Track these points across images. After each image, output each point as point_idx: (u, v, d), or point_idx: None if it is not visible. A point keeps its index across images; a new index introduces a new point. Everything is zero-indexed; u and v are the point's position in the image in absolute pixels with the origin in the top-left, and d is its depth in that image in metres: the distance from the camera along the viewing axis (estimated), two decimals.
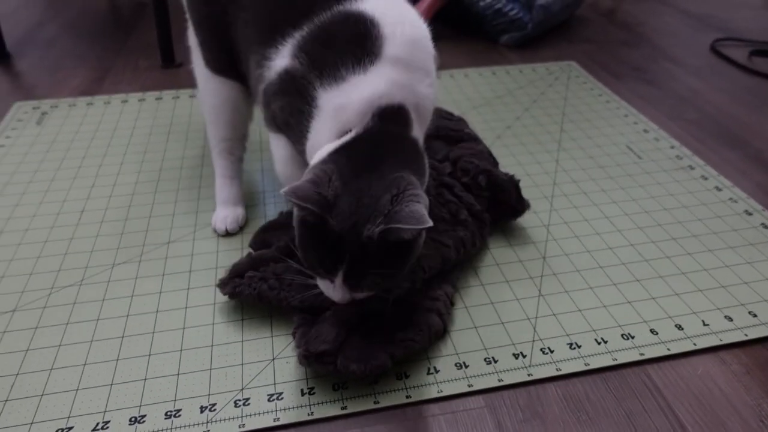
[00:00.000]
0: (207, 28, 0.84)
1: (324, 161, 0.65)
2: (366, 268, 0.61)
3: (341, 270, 0.62)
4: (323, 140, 0.69)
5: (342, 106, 0.69)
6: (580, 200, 0.99)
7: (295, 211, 0.65)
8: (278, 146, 0.81)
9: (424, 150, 0.71)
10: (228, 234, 0.89)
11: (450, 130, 0.90)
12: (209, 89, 0.88)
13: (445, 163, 0.86)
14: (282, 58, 0.73)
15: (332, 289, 0.64)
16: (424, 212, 0.60)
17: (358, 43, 0.70)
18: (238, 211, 0.91)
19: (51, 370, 0.69)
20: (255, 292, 0.71)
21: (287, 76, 0.74)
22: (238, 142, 0.93)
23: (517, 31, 1.60)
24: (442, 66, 1.48)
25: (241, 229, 0.90)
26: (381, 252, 0.60)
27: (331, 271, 0.62)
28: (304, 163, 0.75)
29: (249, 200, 0.97)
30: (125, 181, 1.02)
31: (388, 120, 0.68)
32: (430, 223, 0.58)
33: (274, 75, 0.74)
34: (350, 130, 0.68)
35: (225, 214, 0.90)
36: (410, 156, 0.68)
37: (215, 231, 0.90)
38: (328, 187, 0.62)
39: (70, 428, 0.62)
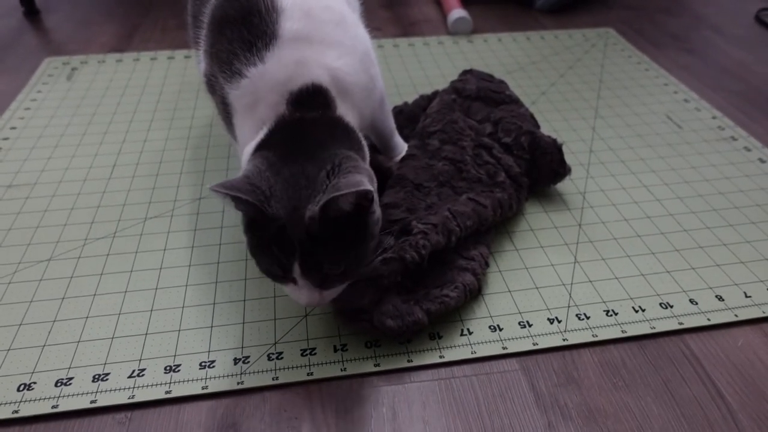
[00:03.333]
0: None
1: (250, 160, 0.61)
2: (320, 256, 0.56)
3: (295, 263, 0.56)
4: (247, 137, 0.66)
5: (251, 105, 0.65)
6: (618, 168, 0.96)
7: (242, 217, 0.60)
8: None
9: (355, 128, 0.66)
10: None
11: (491, 92, 0.87)
12: None
13: (485, 124, 0.83)
14: (203, 56, 0.72)
15: (298, 292, 0.60)
16: (363, 179, 0.56)
17: (247, 23, 0.64)
18: None
19: (87, 318, 0.69)
20: None
21: (205, 78, 0.72)
22: None
23: None
24: (475, 30, 1.44)
25: None
26: (330, 234, 0.56)
27: (286, 269, 0.57)
28: None
29: None
30: (156, 137, 1.02)
31: (305, 104, 0.63)
32: (368, 187, 0.54)
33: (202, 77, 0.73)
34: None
35: None
36: (339, 134, 0.63)
37: None
38: (261, 179, 0.57)
39: (107, 374, 0.63)
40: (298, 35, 0.65)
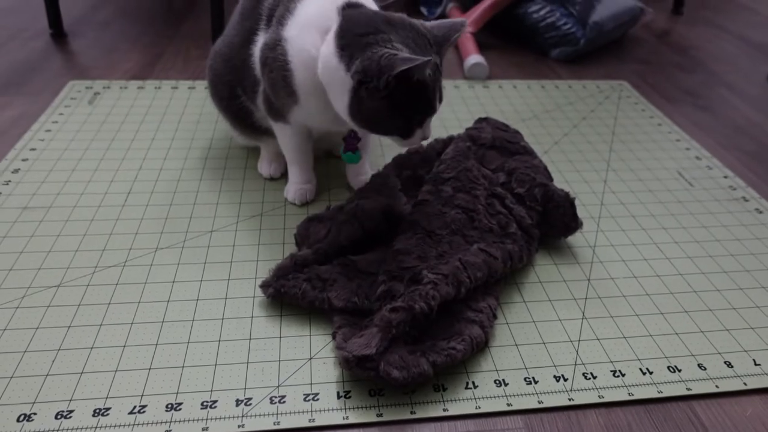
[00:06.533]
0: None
1: (370, 37, 0.72)
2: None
3: (429, 118, 0.75)
4: (310, 48, 0.77)
5: (305, 25, 0.77)
6: (628, 223, 0.96)
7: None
8: (284, 135, 0.90)
9: None
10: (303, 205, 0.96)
11: (506, 141, 0.88)
12: (277, 130, 0.92)
13: (498, 174, 0.84)
14: (261, 38, 0.85)
15: (420, 131, 0.76)
16: None
17: None
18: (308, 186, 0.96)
19: (92, 348, 0.69)
20: (300, 292, 0.71)
21: (265, 45, 0.82)
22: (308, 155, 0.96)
23: (568, 46, 1.57)
24: (491, 76, 1.46)
25: (284, 224, 0.91)
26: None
27: (422, 123, 0.75)
28: (308, 146, 0.91)
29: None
30: (171, 166, 1.03)
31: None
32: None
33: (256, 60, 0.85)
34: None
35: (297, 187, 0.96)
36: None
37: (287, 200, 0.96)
38: (398, 39, 0.72)
39: (108, 409, 0.62)
40: None
